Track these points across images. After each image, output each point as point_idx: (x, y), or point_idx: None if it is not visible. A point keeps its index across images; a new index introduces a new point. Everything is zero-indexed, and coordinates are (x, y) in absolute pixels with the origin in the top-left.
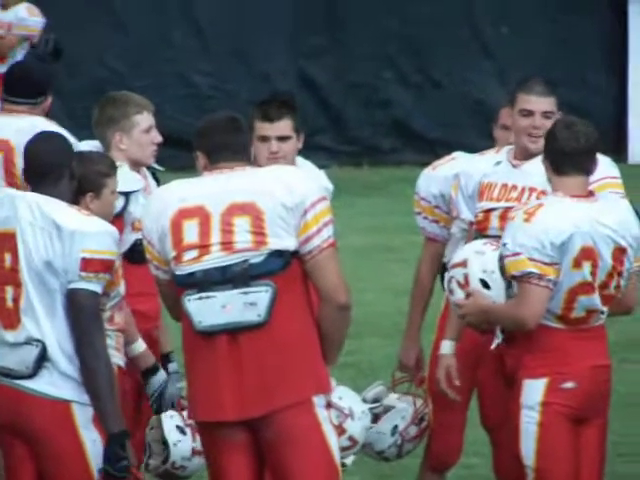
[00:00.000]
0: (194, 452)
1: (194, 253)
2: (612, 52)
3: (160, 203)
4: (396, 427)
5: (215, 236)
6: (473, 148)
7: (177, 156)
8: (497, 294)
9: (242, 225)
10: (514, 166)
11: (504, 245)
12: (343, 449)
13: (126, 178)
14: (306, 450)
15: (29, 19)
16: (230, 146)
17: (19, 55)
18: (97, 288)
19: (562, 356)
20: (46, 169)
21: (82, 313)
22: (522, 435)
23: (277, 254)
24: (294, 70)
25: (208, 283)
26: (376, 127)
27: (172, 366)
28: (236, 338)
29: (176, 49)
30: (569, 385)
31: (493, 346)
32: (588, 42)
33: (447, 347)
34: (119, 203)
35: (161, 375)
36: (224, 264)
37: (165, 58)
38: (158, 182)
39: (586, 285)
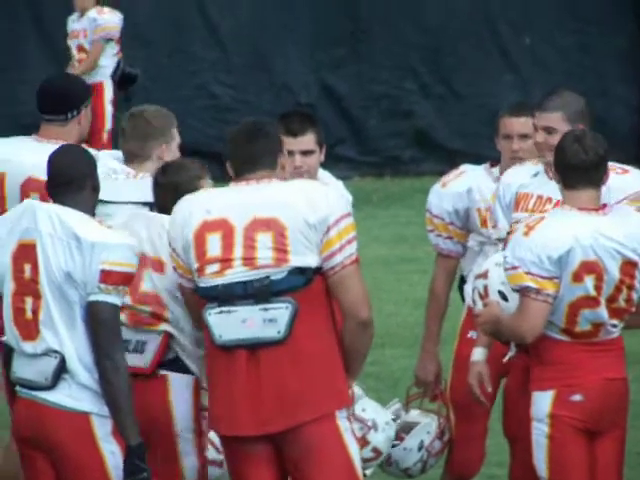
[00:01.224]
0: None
1: (216, 267)
2: (634, 63)
3: (185, 214)
4: (422, 442)
5: (238, 251)
6: (493, 159)
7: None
8: (515, 306)
9: (264, 241)
10: (550, 178)
11: (505, 258)
12: (367, 460)
13: (147, 189)
14: (328, 463)
15: (100, 18)
16: (253, 157)
17: (111, 60)
18: (117, 301)
19: (570, 369)
20: (67, 180)
21: (101, 325)
22: (534, 447)
23: (298, 271)
24: (315, 81)
25: (229, 297)
26: (397, 138)
27: None
28: (255, 353)
29: (197, 61)
30: (577, 398)
31: (506, 358)
32: (610, 53)
33: (479, 354)
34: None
35: None
36: (246, 279)
37: (186, 70)
38: None
39: (589, 299)
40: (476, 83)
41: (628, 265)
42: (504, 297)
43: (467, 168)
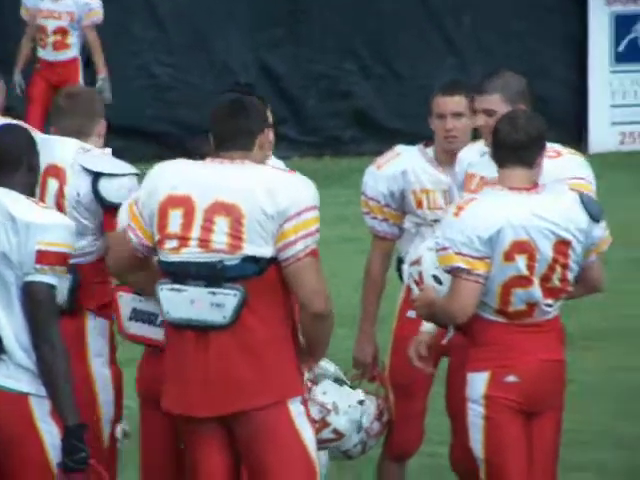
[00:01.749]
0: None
1: (174, 243)
2: (573, 44)
3: (155, 183)
4: (361, 424)
5: (196, 231)
6: (430, 139)
7: (136, 147)
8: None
9: (221, 226)
10: None
11: (436, 239)
12: (328, 440)
13: (116, 163)
14: (279, 446)
15: (92, 3)
16: (230, 135)
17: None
18: (53, 281)
19: (504, 349)
20: (3, 160)
21: (37, 306)
22: (470, 428)
23: (252, 260)
24: (255, 61)
25: (182, 276)
26: (337, 118)
27: None
28: (204, 336)
29: (137, 41)
30: (511, 379)
31: (445, 340)
32: (550, 35)
33: (429, 326)
34: (137, 186)
35: None
36: (200, 260)
37: (127, 50)
38: None
39: (522, 278)
40: (416, 64)
41: (561, 244)
42: (438, 281)
43: (401, 149)
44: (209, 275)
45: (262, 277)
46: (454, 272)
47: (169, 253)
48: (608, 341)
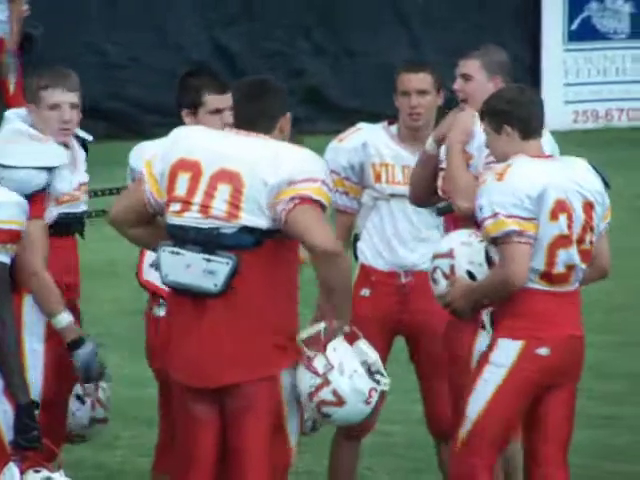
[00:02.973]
0: (92, 420)
1: (178, 206)
2: (526, 23)
3: (171, 145)
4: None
5: (198, 196)
6: (388, 117)
7: (86, 125)
8: None
9: (223, 193)
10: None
11: (480, 209)
12: (326, 403)
13: (49, 153)
14: (259, 428)
15: None
16: (251, 118)
17: (4, 15)
18: (4, 258)
19: (541, 321)
20: None
21: None
22: (477, 386)
23: (248, 230)
24: (208, 39)
25: (182, 240)
26: (291, 96)
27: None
28: (200, 304)
29: (88, 18)
30: (543, 351)
31: (479, 343)
32: (503, 13)
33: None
34: (42, 178)
35: (87, 347)
36: (198, 226)
37: (77, 28)
38: (87, 151)
39: (564, 238)
40: (370, 41)
41: (587, 205)
42: (472, 276)
43: (364, 125)
44: (206, 241)
45: (258, 249)
46: (505, 238)
47: (172, 215)
48: None
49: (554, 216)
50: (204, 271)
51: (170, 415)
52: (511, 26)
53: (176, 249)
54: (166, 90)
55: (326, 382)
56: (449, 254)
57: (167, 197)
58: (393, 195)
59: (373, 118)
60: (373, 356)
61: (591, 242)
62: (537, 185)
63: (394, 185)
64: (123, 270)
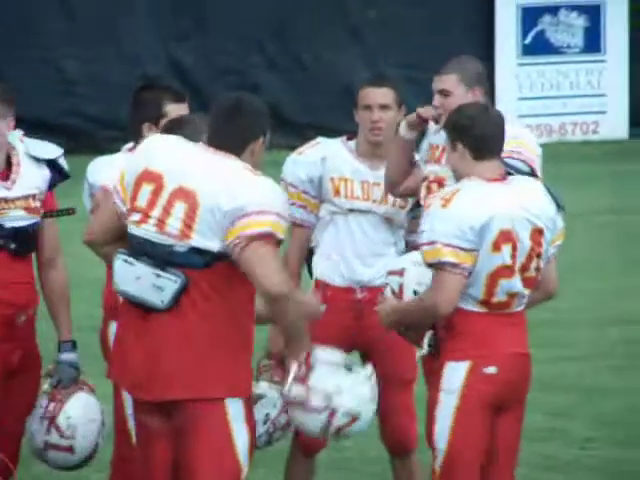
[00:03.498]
0: (47, 445)
1: (138, 217)
2: (480, 37)
3: (141, 154)
4: (268, 415)
5: (157, 210)
6: (342, 132)
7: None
8: None
9: (178, 210)
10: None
11: (421, 234)
12: (344, 427)
13: None
14: (208, 445)
15: None
16: (220, 136)
17: None
18: None
19: (484, 341)
20: None
21: None
22: (437, 417)
23: (198, 251)
24: (162, 53)
25: (137, 251)
26: None
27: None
28: (147, 317)
29: (45, 33)
30: (491, 370)
31: (418, 355)
32: (457, 27)
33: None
34: None
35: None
36: (153, 240)
37: (34, 42)
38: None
39: (506, 268)
40: (324, 57)
41: (537, 233)
42: None
43: (323, 139)
44: (158, 256)
45: (208, 270)
46: (439, 266)
47: (132, 225)
48: None
49: (497, 247)
50: (153, 286)
51: (126, 430)
52: (464, 41)
53: (130, 259)
54: (123, 105)
55: (332, 411)
56: (400, 272)
57: (129, 205)
58: (352, 210)
59: (327, 133)
60: (338, 355)
61: (537, 268)
62: (482, 216)
63: (352, 200)
64: (75, 287)
